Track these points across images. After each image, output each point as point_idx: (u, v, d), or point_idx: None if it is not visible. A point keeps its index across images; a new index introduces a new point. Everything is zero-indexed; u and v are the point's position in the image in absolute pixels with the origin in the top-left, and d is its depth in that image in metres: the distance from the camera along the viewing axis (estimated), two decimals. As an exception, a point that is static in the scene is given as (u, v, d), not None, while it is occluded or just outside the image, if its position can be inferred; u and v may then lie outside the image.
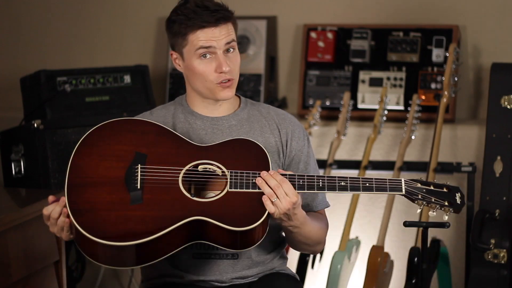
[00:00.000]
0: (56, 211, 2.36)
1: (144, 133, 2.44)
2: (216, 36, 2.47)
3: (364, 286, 3.60)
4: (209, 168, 2.41)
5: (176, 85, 4.40)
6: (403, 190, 2.41)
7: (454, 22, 4.18)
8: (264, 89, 4.32)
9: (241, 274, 2.52)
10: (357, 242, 3.88)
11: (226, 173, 2.38)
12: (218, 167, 2.40)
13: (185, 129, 2.55)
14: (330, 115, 4.23)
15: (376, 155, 4.09)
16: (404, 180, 2.42)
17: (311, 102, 4.27)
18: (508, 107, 3.78)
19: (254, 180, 2.37)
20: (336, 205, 4.06)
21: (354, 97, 4.21)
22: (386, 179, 2.41)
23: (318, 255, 3.89)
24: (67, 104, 3.69)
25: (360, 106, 4.22)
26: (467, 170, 3.89)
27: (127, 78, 3.86)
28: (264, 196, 2.34)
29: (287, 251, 2.72)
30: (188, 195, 2.36)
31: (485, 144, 3.79)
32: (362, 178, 2.40)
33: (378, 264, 3.60)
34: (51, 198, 2.40)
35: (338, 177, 2.40)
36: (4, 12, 4.83)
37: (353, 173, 3.99)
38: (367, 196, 4.08)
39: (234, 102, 2.61)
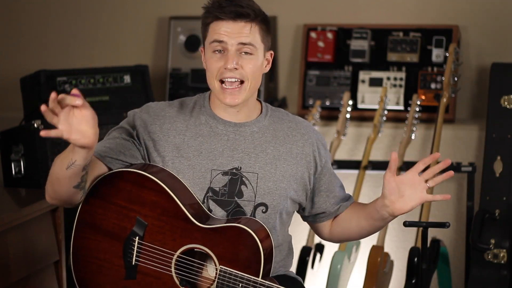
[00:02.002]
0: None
1: (150, 190, 2.43)
2: (230, 32, 2.41)
3: (364, 286, 3.60)
4: (202, 250, 2.40)
5: (176, 85, 4.40)
6: None
7: (454, 22, 4.18)
8: (264, 89, 4.32)
9: None
10: (357, 242, 3.88)
11: (217, 269, 2.37)
12: (210, 256, 2.38)
13: (206, 131, 2.50)
14: (330, 115, 4.23)
15: (376, 155, 4.09)
16: None
17: (311, 102, 4.27)
18: (508, 107, 3.78)
19: (240, 286, 2.35)
20: (336, 205, 4.06)
21: (354, 97, 4.21)
22: None
23: (318, 255, 3.89)
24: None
25: (360, 106, 4.22)
26: (467, 170, 3.89)
27: (127, 78, 3.85)
28: None
29: None
30: (177, 283, 2.40)
31: (485, 144, 3.80)
32: None
33: (378, 264, 3.60)
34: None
35: None
36: (4, 12, 4.82)
37: (353, 173, 4.00)
38: (367, 196, 4.08)
39: (255, 108, 2.55)
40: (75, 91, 2.19)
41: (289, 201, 2.53)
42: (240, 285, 2.35)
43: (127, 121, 2.55)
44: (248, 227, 2.36)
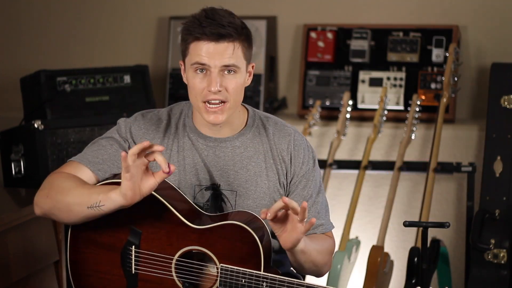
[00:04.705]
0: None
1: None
2: (212, 53, 2.34)
3: (364, 286, 3.60)
4: (200, 251, 2.39)
5: (176, 85, 4.40)
6: None
7: (454, 22, 4.18)
8: (264, 89, 4.32)
9: None
10: (357, 242, 3.88)
11: (218, 268, 2.35)
12: (209, 256, 2.37)
13: (188, 145, 2.49)
14: (330, 115, 4.23)
15: (376, 155, 4.09)
16: None
17: (311, 102, 4.27)
18: (508, 107, 3.78)
19: (243, 281, 2.33)
20: (336, 205, 4.06)
21: (354, 97, 4.21)
22: None
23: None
24: (67, 104, 3.68)
25: (360, 106, 4.22)
26: (467, 170, 3.89)
27: (127, 78, 3.85)
28: None
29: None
30: (180, 286, 2.39)
31: (485, 144, 3.80)
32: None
33: (378, 264, 3.60)
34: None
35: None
36: (4, 12, 4.83)
37: (353, 173, 3.99)
38: (367, 196, 4.08)
39: (239, 119, 2.51)
40: (173, 168, 2.27)
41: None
42: (243, 281, 2.33)
43: (117, 132, 2.52)
44: (242, 222, 2.34)
